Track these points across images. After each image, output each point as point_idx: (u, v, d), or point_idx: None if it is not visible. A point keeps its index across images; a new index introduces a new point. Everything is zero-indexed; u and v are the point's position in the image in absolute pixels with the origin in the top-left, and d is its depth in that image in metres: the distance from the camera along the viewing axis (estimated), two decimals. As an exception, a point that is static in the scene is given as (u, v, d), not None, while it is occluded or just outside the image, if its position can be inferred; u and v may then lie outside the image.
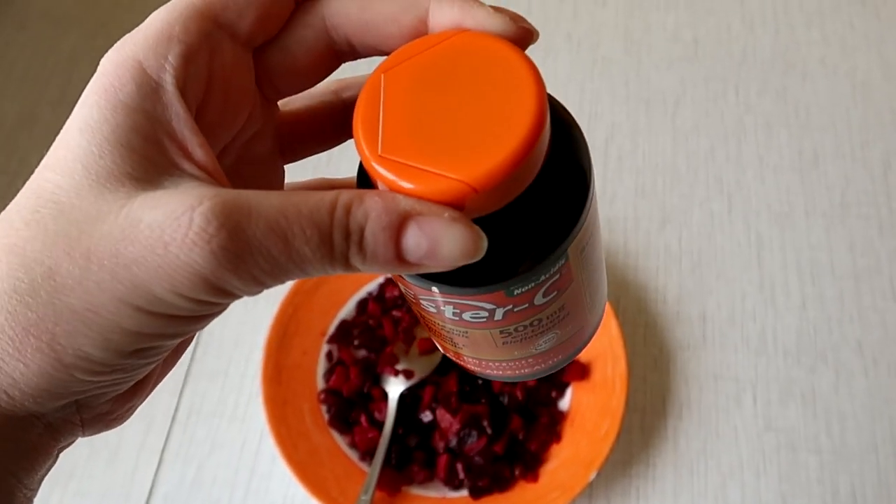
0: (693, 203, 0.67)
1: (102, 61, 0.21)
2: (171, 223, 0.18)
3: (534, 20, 0.79)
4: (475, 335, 0.25)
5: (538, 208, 0.21)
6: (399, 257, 0.20)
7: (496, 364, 0.27)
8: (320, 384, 0.59)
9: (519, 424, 0.56)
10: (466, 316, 0.23)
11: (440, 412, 0.56)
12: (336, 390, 0.58)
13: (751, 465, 0.57)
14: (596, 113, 0.71)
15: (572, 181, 0.22)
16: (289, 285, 0.60)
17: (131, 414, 0.24)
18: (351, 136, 0.21)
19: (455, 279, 0.21)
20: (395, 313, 0.61)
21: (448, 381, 0.57)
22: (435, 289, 0.22)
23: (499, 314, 0.23)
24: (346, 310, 0.62)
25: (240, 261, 0.19)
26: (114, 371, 0.21)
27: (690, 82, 0.73)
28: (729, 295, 0.63)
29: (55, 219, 0.20)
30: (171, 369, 0.26)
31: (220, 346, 0.63)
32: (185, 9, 0.21)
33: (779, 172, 0.68)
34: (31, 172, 0.21)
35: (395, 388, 0.57)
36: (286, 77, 0.24)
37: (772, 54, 0.74)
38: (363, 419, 0.57)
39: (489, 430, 0.55)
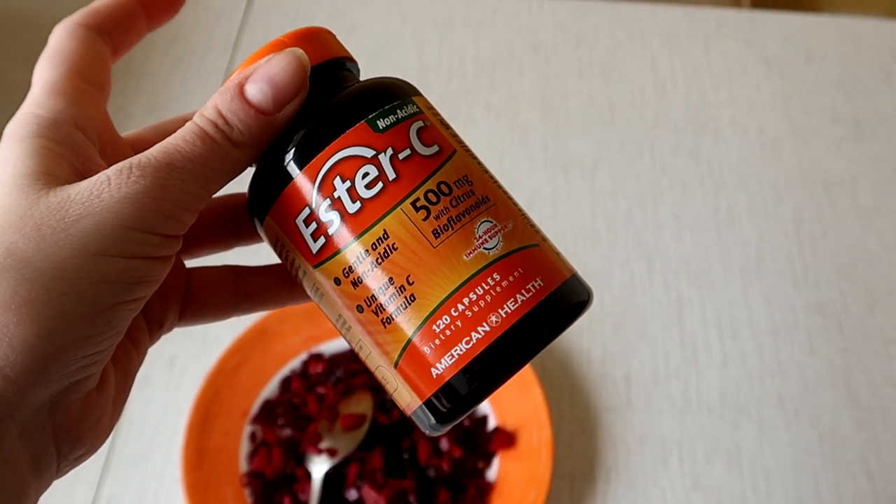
0: (614, 265, 0.68)
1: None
2: (94, 184, 0.22)
3: (453, 90, 0.80)
4: (397, 232, 0.24)
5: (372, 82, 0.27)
6: (259, 110, 0.24)
7: (457, 301, 0.24)
8: (243, 467, 0.58)
9: (446, 498, 0.55)
10: (361, 186, 0.25)
11: (365, 490, 0.55)
12: (259, 472, 0.57)
13: (680, 526, 0.57)
14: (515, 179, 0.72)
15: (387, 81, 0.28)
16: (210, 366, 0.59)
17: (100, 441, 0.25)
18: None
19: (323, 131, 0.25)
20: (320, 390, 0.60)
21: (373, 457, 0.56)
22: (322, 157, 0.25)
23: (387, 166, 0.25)
24: (270, 389, 0.61)
25: (159, 180, 0.22)
26: (92, 336, 0.22)
27: (606, 146, 0.75)
28: (652, 355, 0.64)
29: None
30: (127, 393, 0.27)
31: (140, 431, 0.61)
32: (63, 69, 0.26)
33: (695, 231, 0.70)
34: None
35: (318, 467, 0.56)
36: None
37: (684, 116, 0.77)
38: (287, 501, 0.56)
39: (415, 506, 0.55)
